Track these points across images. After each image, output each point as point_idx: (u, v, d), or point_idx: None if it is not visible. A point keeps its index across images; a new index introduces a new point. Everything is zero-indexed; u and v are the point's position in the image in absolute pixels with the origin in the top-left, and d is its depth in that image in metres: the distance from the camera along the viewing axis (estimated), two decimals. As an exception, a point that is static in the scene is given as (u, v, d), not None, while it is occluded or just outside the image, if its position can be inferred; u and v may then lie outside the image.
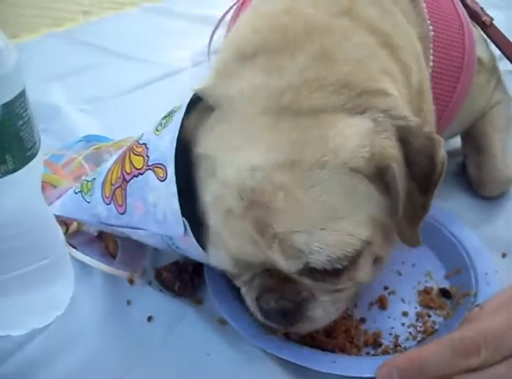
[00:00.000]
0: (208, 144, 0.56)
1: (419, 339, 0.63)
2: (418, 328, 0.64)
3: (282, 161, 0.51)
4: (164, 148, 0.57)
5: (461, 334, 0.52)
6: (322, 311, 0.56)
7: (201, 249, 0.57)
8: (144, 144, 0.60)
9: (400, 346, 0.62)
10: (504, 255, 0.73)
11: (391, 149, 0.52)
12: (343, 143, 0.52)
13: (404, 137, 0.53)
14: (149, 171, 0.57)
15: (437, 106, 0.69)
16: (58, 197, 0.72)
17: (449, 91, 0.71)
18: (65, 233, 0.70)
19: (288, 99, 0.54)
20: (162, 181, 0.56)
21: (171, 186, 0.55)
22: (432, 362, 0.51)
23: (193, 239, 0.56)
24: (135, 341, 0.61)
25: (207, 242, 0.57)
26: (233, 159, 0.53)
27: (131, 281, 0.67)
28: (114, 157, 0.65)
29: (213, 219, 0.55)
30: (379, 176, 0.52)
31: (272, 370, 0.58)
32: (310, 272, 0.53)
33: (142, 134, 0.62)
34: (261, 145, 0.53)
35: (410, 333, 0.63)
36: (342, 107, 0.54)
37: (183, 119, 0.57)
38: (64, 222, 0.73)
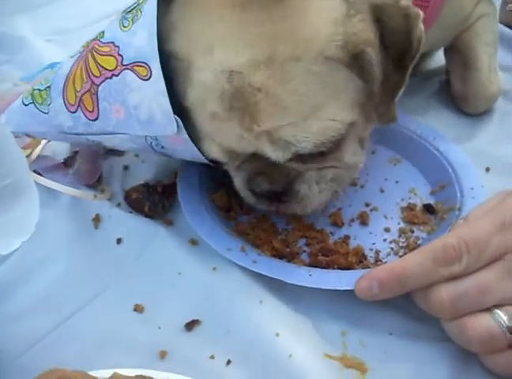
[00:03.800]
0: (178, 43, 0.54)
1: (401, 254, 0.60)
2: (400, 244, 0.62)
3: (256, 59, 0.50)
4: (142, 44, 0.52)
5: (443, 242, 0.49)
6: (308, 187, 0.58)
7: (192, 144, 0.55)
8: (112, 42, 0.55)
9: (381, 261, 0.60)
10: (488, 169, 0.71)
11: (365, 33, 0.51)
12: (316, 32, 0.50)
13: (380, 17, 0.51)
14: (127, 71, 0.53)
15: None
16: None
17: None
18: (28, 156, 0.66)
19: None
20: (146, 80, 0.52)
21: (158, 84, 0.52)
22: (413, 272, 0.49)
23: (186, 136, 0.54)
24: (105, 263, 0.59)
25: (194, 136, 0.56)
26: (208, 60, 0.51)
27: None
28: (70, 62, 0.60)
29: (199, 120, 0.55)
30: (356, 61, 0.51)
31: (246, 286, 0.56)
32: (298, 157, 0.54)
33: (102, 32, 0.57)
34: (232, 44, 0.50)
35: (392, 249, 0.61)
36: None
37: None
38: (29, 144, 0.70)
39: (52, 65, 0.88)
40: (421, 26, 0.52)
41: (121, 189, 0.67)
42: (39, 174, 0.67)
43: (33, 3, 1.13)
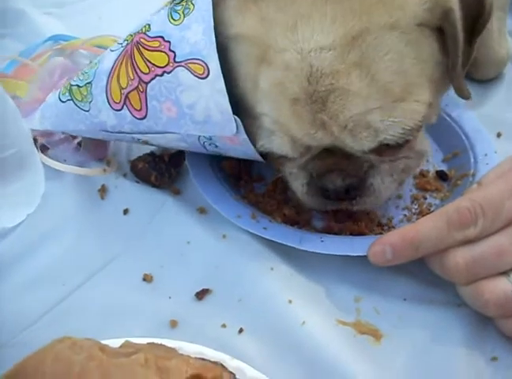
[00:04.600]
0: (248, 24, 0.50)
1: (413, 220, 0.60)
2: (413, 211, 0.61)
3: (348, 33, 0.46)
4: (197, 40, 0.49)
5: (457, 205, 0.49)
6: (381, 180, 0.54)
7: (250, 144, 0.53)
8: (161, 36, 0.52)
9: (394, 228, 0.59)
10: (499, 135, 0.70)
11: None
12: None
13: None
14: (180, 68, 0.50)
15: None
16: (31, 111, 0.63)
17: None
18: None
19: None
20: (203, 78, 0.50)
21: (217, 83, 0.49)
22: (427, 236, 0.48)
23: (244, 136, 0.52)
24: (112, 234, 0.58)
25: (256, 130, 0.53)
26: (291, 39, 0.47)
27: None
28: (111, 56, 0.56)
29: (274, 107, 0.50)
30: (439, 28, 0.50)
31: (257, 253, 0.55)
32: (379, 147, 0.50)
33: (147, 25, 0.54)
34: (319, 20, 0.47)
35: (405, 215, 0.61)
36: None
37: None
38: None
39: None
40: None
41: (127, 160, 0.66)
42: (46, 147, 0.66)
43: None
